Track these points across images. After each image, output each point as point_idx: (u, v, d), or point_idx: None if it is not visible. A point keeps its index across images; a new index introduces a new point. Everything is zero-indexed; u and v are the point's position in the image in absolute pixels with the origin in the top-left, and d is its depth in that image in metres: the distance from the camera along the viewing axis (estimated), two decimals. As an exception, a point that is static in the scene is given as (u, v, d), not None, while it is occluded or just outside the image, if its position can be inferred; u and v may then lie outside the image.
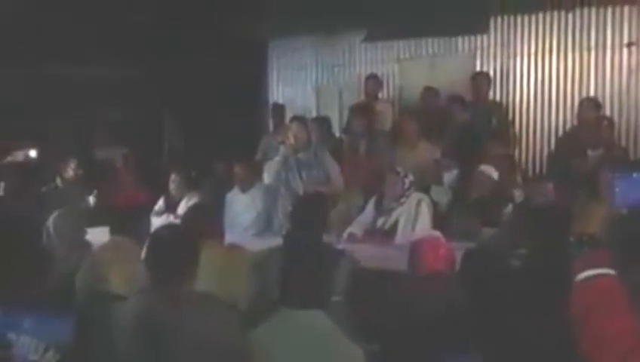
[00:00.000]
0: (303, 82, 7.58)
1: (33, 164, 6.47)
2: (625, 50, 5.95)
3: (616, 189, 2.66)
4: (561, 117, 6.25)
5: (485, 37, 6.45)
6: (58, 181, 5.95)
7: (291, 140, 4.69)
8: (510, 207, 4.14)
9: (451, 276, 2.62)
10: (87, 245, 3.71)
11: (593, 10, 6.04)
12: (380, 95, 6.45)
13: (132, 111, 8.00)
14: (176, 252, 2.24)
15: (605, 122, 5.22)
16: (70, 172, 5.92)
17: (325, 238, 3.14)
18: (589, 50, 6.10)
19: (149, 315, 2.15)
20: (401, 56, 6.98)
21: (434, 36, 6.66)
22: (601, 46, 6.05)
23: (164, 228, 2.50)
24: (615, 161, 4.30)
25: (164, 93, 8.07)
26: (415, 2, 6.22)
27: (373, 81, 6.40)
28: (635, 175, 2.72)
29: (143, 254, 2.37)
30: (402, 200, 4.36)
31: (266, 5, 7.22)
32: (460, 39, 6.61)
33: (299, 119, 4.98)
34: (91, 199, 5.76)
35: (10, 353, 1.88)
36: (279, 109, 6.83)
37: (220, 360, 2.04)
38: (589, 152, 4.67)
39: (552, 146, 6.02)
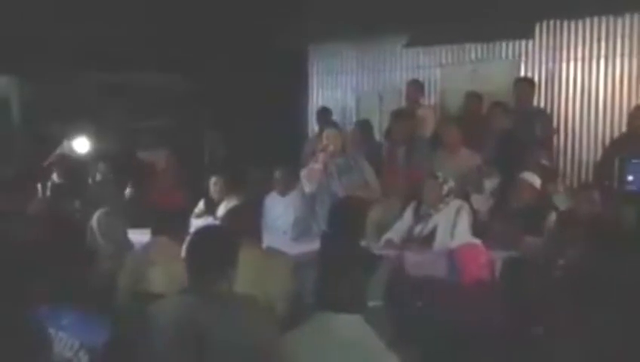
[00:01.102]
0: (343, 87, 7.57)
1: (81, 159, 6.65)
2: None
3: (630, 176, 2.64)
4: (609, 124, 6.07)
5: (530, 42, 6.32)
6: (92, 180, 6.11)
7: (330, 148, 4.75)
8: (553, 215, 4.03)
9: (492, 285, 2.57)
10: (130, 244, 3.79)
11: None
12: (421, 100, 6.39)
13: (175, 115, 8.17)
14: (215, 253, 2.27)
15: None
16: (111, 171, 6.07)
17: (363, 244, 3.13)
18: (638, 55, 5.91)
19: (188, 315, 2.18)
20: (444, 62, 6.90)
21: (477, 41, 6.56)
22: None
23: (204, 228, 2.53)
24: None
25: (206, 98, 8.21)
26: (458, 7, 6.16)
27: (415, 87, 6.35)
28: None
29: (183, 254, 2.40)
30: (440, 206, 4.31)
31: (306, 10, 7.26)
32: (504, 44, 6.50)
33: (333, 126, 5.03)
34: (133, 199, 5.89)
35: (52, 348, 1.93)
36: (325, 113, 6.83)
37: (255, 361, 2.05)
38: None
39: (599, 154, 5.85)
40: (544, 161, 4.98)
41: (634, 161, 2.75)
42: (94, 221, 3.88)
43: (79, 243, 3.18)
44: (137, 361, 2.35)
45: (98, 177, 6.13)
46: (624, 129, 5.49)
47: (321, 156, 4.84)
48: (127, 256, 3.45)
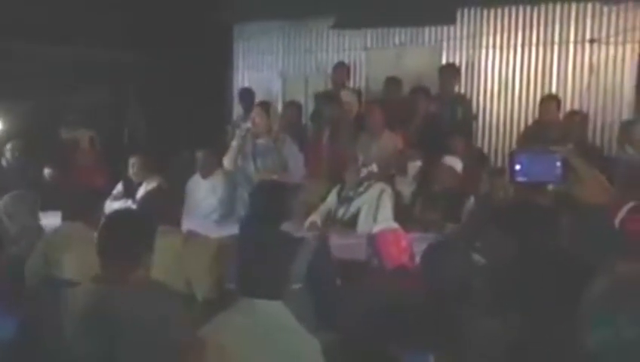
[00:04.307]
0: (268, 68, 7.48)
1: None
2: (587, 46, 6.03)
3: (517, 166, 2.86)
4: (524, 111, 6.31)
5: (452, 28, 6.46)
6: (4, 160, 5.78)
7: (248, 125, 4.62)
8: (472, 200, 4.15)
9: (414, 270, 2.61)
10: (40, 229, 3.60)
11: (558, 5, 6.10)
12: (347, 83, 6.41)
13: (95, 92, 7.81)
14: (129, 238, 2.17)
15: (577, 118, 5.29)
16: (24, 150, 5.76)
17: (287, 227, 3.10)
18: (552, 45, 6.17)
19: (101, 305, 2.09)
20: (369, 45, 6.94)
21: (401, 26, 6.63)
22: (564, 41, 6.12)
23: (117, 212, 2.43)
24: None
25: (128, 75, 7.90)
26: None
27: (341, 70, 6.36)
28: (537, 155, 2.93)
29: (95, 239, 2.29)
30: (359, 189, 4.37)
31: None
32: (427, 30, 6.60)
33: (262, 105, 4.88)
34: (49, 180, 5.62)
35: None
36: (247, 94, 6.73)
37: (167, 351, 1.99)
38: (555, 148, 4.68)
39: (515, 140, 6.08)
40: (468, 145, 5.11)
41: (522, 153, 3.00)
42: (1, 204, 3.65)
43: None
44: (47, 353, 2.24)
45: (9, 157, 5.80)
46: (537, 116, 5.74)
47: (237, 133, 4.73)
48: (37, 240, 3.28)
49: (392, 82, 6.07)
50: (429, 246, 2.53)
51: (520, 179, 2.94)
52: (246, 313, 2.09)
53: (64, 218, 3.31)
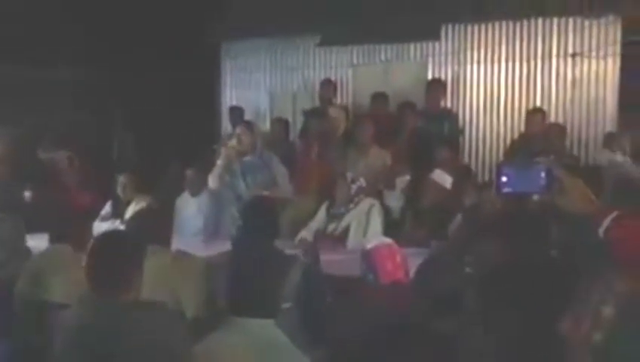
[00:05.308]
0: (256, 86, 7.51)
1: None
2: (570, 60, 6.13)
3: (503, 178, 2.92)
4: (509, 124, 6.38)
5: (437, 44, 6.53)
6: None
7: (233, 143, 4.64)
8: (459, 216, 4.17)
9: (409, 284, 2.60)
10: (27, 252, 3.56)
11: (540, 20, 6.20)
12: (334, 100, 6.46)
13: (82, 111, 7.78)
14: (117, 259, 2.16)
15: (556, 129, 5.35)
16: (6, 172, 5.70)
17: (277, 244, 3.09)
18: (535, 59, 6.25)
19: (90, 325, 2.07)
20: (355, 62, 7.00)
21: (387, 42, 6.70)
22: (547, 56, 6.21)
23: (106, 234, 2.41)
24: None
25: (116, 94, 7.89)
26: (369, 7, 6.27)
27: (328, 86, 6.40)
28: (522, 167, 3.00)
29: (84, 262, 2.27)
30: (350, 205, 4.38)
31: (219, 6, 7.14)
32: (412, 46, 6.67)
33: (246, 123, 4.94)
34: (33, 202, 5.55)
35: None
36: (237, 112, 6.76)
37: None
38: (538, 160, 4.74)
39: (501, 154, 6.14)
40: (455, 159, 5.15)
41: (508, 166, 3.08)
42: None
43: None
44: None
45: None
46: (522, 130, 5.80)
47: (222, 152, 4.74)
48: (25, 264, 3.24)
49: (379, 97, 6.12)
50: (423, 261, 2.53)
51: (506, 190, 2.99)
52: (238, 332, 2.08)
53: (52, 240, 3.28)
